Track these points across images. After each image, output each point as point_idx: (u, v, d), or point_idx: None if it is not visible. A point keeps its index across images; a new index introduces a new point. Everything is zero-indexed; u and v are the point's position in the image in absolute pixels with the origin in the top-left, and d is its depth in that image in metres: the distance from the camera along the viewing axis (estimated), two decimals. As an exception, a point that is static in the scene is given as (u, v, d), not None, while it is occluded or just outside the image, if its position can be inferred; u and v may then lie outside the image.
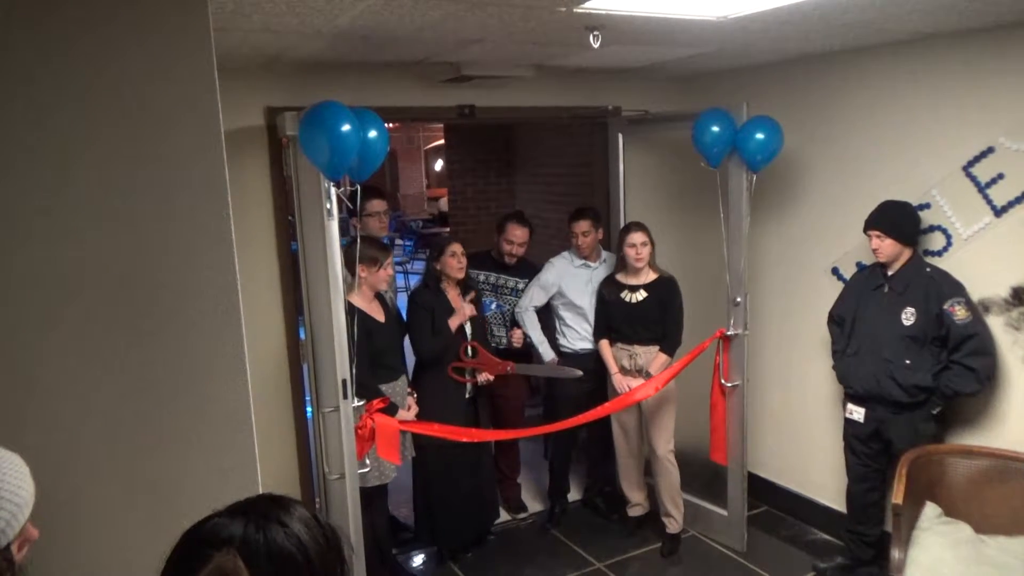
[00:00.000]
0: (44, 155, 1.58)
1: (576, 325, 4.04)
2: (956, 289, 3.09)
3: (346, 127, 2.59)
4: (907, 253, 3.23)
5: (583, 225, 3.96)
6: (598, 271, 4.03)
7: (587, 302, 3.99)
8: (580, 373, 3.81)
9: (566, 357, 4.06)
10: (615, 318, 3.81)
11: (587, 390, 3.97)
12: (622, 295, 3.78)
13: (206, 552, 0.81)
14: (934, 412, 3.16)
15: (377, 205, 3.81)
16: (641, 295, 3.75)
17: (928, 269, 3.19)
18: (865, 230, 3.27)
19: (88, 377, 1.65)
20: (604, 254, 4.09)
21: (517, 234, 4.06)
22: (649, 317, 3.74)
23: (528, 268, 4.19)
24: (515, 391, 4.10)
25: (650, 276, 3.76)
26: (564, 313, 4.07)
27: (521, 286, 4.12)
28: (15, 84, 1.54)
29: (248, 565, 0.80)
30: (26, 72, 1.55)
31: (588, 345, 4.00)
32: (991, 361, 3.05)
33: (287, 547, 0.83)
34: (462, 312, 3.65)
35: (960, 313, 3.04)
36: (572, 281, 4.03)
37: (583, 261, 4.04)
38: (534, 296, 4.06)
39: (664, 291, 3.74)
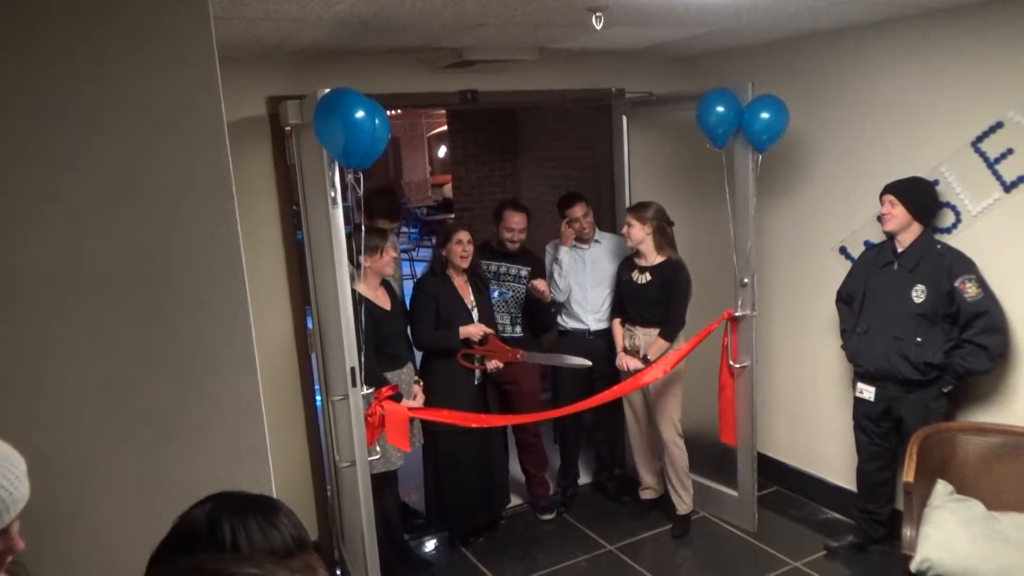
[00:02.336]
0: (50, 149, 1.58)
1: (572, 305, 4.08)
2: (967, 266, 3.07)
3: (360, 114, 2.59)
4: (917, 229, 3.20)
5: (577, 209, 3.99)
6: (591, 251, 4.05)
7: (581, 283, 4.03)
8: (589, 363, 3.80)
9: (564, 336, 4.12)
10: (624, 298, 3.84)
11: (589, 371, 3.97)
12: (632, 275, 3.79)
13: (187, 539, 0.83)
14: (945, 391, 3.15)
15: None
16: (647, 277, 3.75)
17: (939, 246, 3.17)
18: (881, 194, 3.24)
19: (97, 369, 1.66)
20: (599, 235, 4.09)
21: (516, 220, 4.05)
22: (651, 299, 3.74)
23: (527, 255, 4.21)
24: (529, 383, 4.05)
25: (658, 258, 3.75)
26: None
27: (524, 272, 4.13)
28: (21, 79, 1.54)
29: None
30: (32, 67, 1.54)
31: (582, 326, 4.05)
32: (1003, 338, 3.03)
33: (259, 539, 0.85)
34: (476, 328, 3.66)
35: (971, 290, 3.02)
36: (567, 263, 4.08)
37: (574, 243, 4.08)
38: (558, 283, 4.11)
39: (668, 274, 3.73)
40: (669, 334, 3.75)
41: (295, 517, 0.90)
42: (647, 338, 3.77)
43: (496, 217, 4.15)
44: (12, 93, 1.53)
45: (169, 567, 0.73)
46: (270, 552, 0.82)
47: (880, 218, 3.27)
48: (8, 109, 1.53)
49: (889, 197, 3.20)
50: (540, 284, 3.95)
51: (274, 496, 0.93)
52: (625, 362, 3.79)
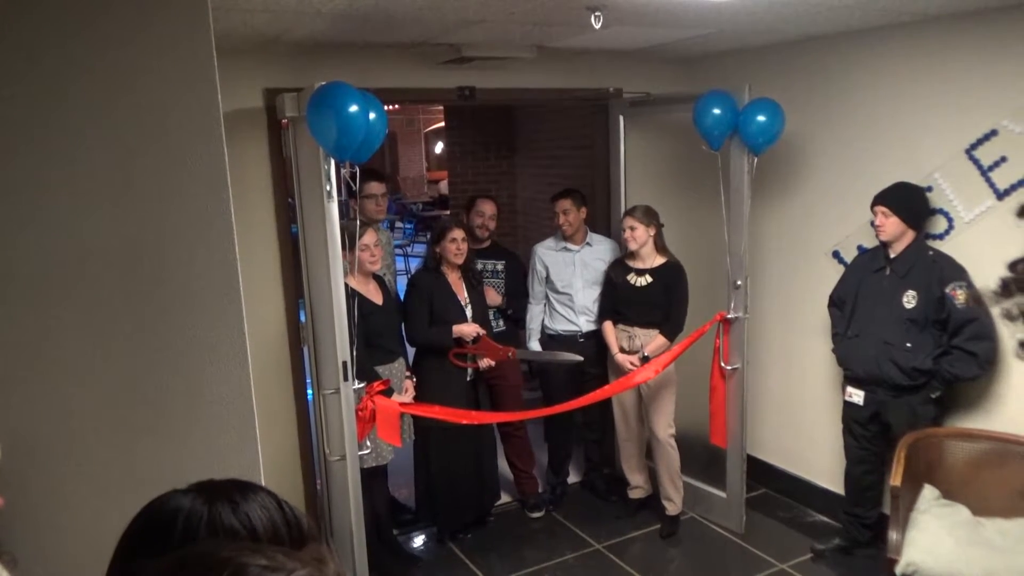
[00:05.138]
0: (46, 139, 1.57)
1: (561, 308, 4.07)
2: (958, 273, 3.09)
3: (354, 108, 2.58)
4: (910, 236, 3.22)
5: (563, 204, 4.00)
6: (581, 254, 4.05)
7: (572, 285, 4.02)
8: (581, 359, 3.82)
9: (553, 339, 4.10)
10: (620, 300, 3.83)
11: (580, 371, 4.00)
12: (628, 278, 3.79)
13: (152, 525, 0.80)
14: (933, 396, 3.17)
15: (375, 188, 3.80)
16: (647, 279, 3.75)
17: (931, 252, 3.19)
18: (872, 205, 3.25)
19: (89, 359, 1.65)
20: (591, 237, 4.09)
21: (486, 208, 4.14)
22: (652, 301, 3.75)
23: (501, 250, 4.25)
24: (512, 377, 4.08)
25: (657, 260, 3.76)
26: (550, 296, 4.11)
27: (500, 267, 4.16)
28: (18, 69, 1.53)
29: (187, 536, 0.79)
30: (28, 57, 1.54)
31: (573, 327, 4.04)
32: (992, 346, 3.05)
33: (231, 522, 0.82)
34: (469, 327, 3.68)
35: (961, 297, 3.04)
36: (555, 265, 4.07)
37: (564, 244, 4.07)
38: (534, 288, 4.13)
39: (670, 276, 3.74)
40: (670, 333, 3.76)
41: (279, 500, 0.88)
42: (647, 339, 3.77)
43: (468, 207, 4.23)
44: (8, 87, 1.53)
45: (173, 557, 0.72)
46: (252, 534, 0.81)
47: (874, 227, 3.28)
48: (4, 103, 1.53)
49: (881, 208, 3.21)
50: (489, 293, 4.01)
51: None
52: (627, 362, 3.77)
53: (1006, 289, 2.83)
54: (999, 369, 3.14)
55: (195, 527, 0.80)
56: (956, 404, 3.29)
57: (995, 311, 3.07)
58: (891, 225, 3.19)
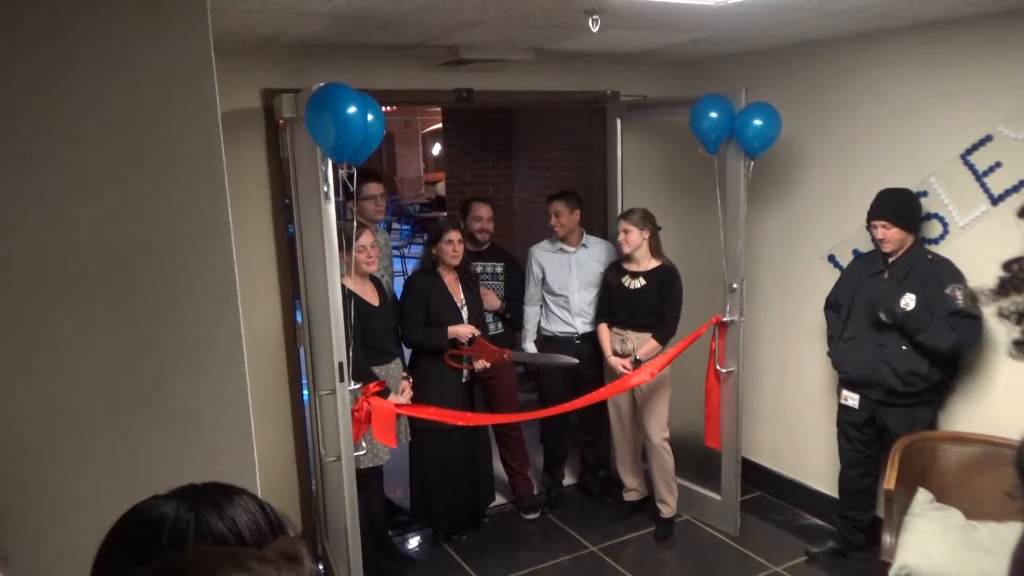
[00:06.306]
0: (43, 139, 1.57)
1: (557, 310, 4.08)
2: (957, 276, 3.11)
3: (352, 109, 2.59)
4: (909, 240, 3.23)
5: (556, 206, 4.02)
6: (577, 256, 4.05)
7: (568, 287, 4.03)
8: (576, 361, 3.83)
9: (549, 341, 4.11)
10: (614, 303, 3.84)
11: (576, 373, 4.01)
12: (623, 280, 3.80)
13: (139, 533, 0.81)
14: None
15: (373, 188, 3.80)
16: (640, 282, 3.76)
17: (929, 256, 3.20)
18: (869, 220, 3.26)
19: (85, 359, 1.66)
20: (587, 239, 4.10)
21: (482, 211, 4.13)
22: (645, 304, 3.76)
23: (500, 252, 4.25)
24: (507, 378, 4.08)
25: (652, 264, 3.77)
26: (546, 298, 4.12)
27: (499, 269, 4.16)
28: (16, 69, 1.53)
29: (174, 544, 0.79)
30: (26, 56, 1.54)
31: (569, 329, 4.05)
32: (973, 341, 3.06)
33: (218, 528, 0.82)
34: (465, 329, 3.68)
35: (961, 297, 3.05)
36: (551, 267, 4.08)
37: (559, 246, 4.07)
38: (530, 289, 4.14)
39: (663, 279, 3.75)
40: (663, 337, 3.77)
41: (260, 502, 0.88)
42: (639, 342, 3.78)
43: (463, 212, 4.22)
44: (5, 86, 1.53)
45: (156, 565, 0.71)
46: (239, 539, 0.81)
47: (875, 240, 3.28)
48: (1, 103, 1.53)
49: (881, 222, 3.21)
50: (488, 296, 4.01)
51: (258, 487, 0.91)
52: (620, 365, 3.78)
53: (1003, 288, 2.84)
54: (993, 373, 3.15)
55: (183, 535, 0.80)
56: (950, 407, 3.30)
57: (991, 309, 3.07)
58: (894, 235, 3.20)
